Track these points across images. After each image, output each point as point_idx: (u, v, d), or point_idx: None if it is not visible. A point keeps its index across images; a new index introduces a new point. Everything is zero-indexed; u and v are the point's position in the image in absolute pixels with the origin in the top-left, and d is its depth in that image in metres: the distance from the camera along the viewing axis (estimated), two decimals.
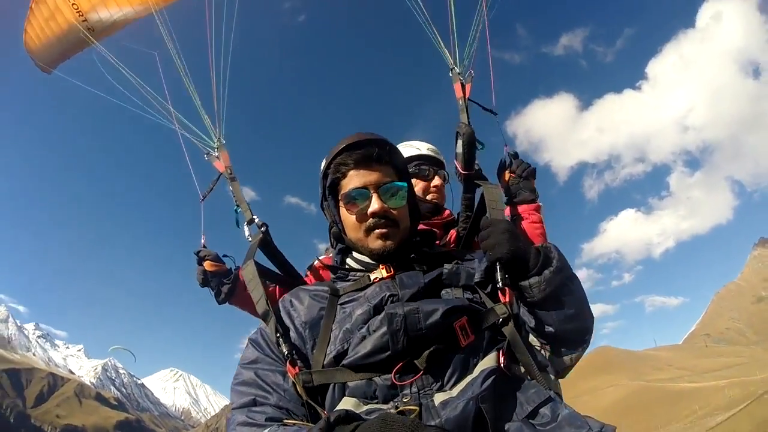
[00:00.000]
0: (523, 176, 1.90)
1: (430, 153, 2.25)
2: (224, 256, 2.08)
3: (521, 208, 1.86)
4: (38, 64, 3.16)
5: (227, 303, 2.03)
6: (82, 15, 2.81)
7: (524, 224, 1.82)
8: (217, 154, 2.16)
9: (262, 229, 1.89)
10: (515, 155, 1.95)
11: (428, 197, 2.16)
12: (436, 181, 2.19)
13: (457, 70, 1.99)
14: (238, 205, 2.03)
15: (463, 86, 1.96)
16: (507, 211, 1.86)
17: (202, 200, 2.17)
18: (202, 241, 2.09)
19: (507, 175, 1.92)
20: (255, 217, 1.95)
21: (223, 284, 2.01)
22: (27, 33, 3.06)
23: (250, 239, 1.89)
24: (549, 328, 1.21)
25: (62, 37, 2.94)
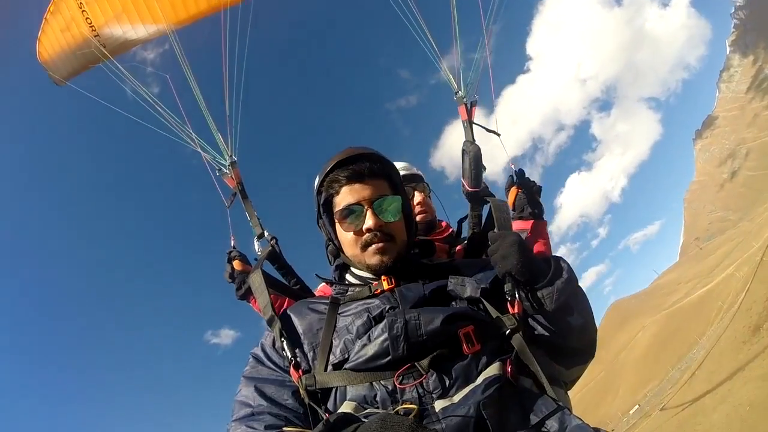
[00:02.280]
0: (530, 192, 1.94)
1: (403, 172, 2.19)
2: (255, 259, 2.13)
3: (527, 224, 1.89)
4: (52, 76, 3.17)
5: (245, 300, 2.09)
6: (95, 30, 2.83)
7: (530, 239, 1.85)
8: (228, 171, 2.24)
9: (272, 242, 1.93)
10: (521, 173, 1.99)
11: (417, 217, 2.07)
12: (418, 197, 2.17)
13: (461, 94, 2.06)
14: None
15: (467, 108, 2.01)
16: (514, 226, 1.87)
17: (228, 207, 2.26)
18: (232, 242, 2.16)
19: (515, 191, 1.95)
20: (264, 231, 2.01)
21: (246, 282, 2.04)
22: (41, 43, 3.08)
23: (259, 253, 1.95)
24: (559, 340, 1.22)
25: (76, 50, 2.97)
